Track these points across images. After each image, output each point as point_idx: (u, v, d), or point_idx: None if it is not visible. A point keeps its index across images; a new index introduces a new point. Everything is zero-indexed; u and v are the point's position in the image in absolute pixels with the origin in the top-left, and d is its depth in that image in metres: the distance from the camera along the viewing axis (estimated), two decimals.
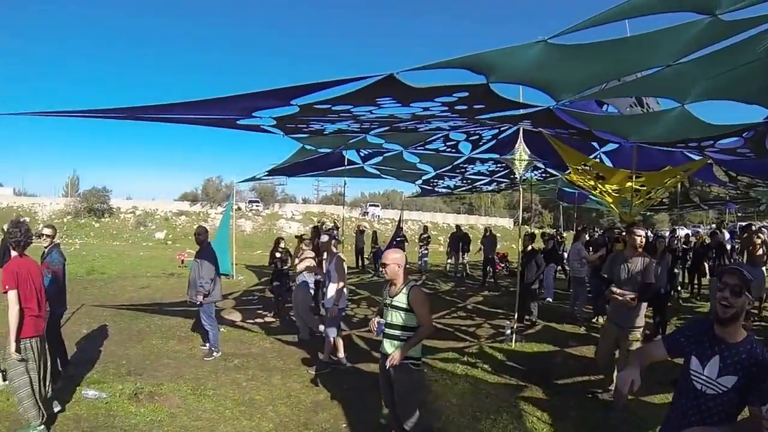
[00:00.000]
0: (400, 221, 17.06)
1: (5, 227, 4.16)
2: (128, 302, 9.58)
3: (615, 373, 4.44)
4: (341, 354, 5.69)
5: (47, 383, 3.85)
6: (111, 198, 37.50)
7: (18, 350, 3.49)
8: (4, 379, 4.38)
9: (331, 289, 5.53)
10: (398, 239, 14.04)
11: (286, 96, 3.55)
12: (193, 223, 35.01)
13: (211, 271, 5.78)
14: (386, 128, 5.74)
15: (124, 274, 14.23)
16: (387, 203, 48.57)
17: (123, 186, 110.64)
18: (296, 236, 8.49)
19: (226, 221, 13.89)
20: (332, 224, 18.75)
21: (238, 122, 5.08)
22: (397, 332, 3.28)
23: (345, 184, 12.37)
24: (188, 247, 20.11)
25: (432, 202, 46.88)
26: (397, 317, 3.28)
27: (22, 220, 4.08)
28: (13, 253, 3.77)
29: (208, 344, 6.12)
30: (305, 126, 5.60)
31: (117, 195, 39.22)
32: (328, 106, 3.89)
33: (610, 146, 6.89)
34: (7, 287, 3.49)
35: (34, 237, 3.92)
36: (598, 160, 7.19)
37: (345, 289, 5.62)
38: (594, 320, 8.18)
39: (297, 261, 7.19)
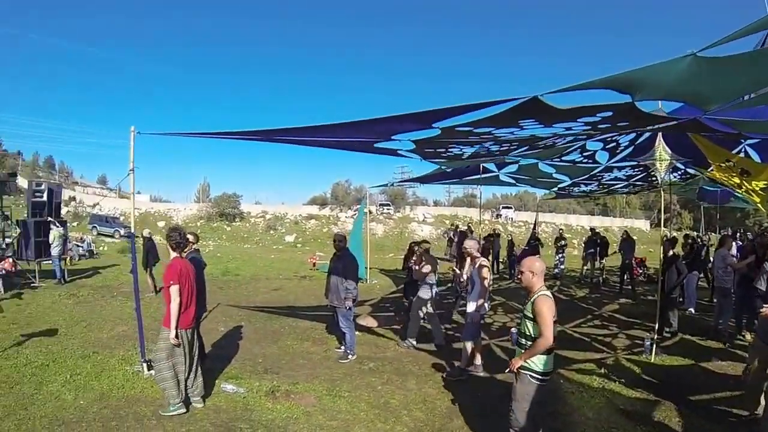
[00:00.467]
0: (535, 224, 18.08)
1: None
2: (262, 303, 11.05)
3: (763, 397, 4.59)
4: (478, 362, 6.17)
5: (195, 371, 4.94)
6: (241, 203, 44.22)
7: (177, 336, 4.65)
8: (150, 369, 5.65)
9: (473, 296, 5.95)
10: (533, 242, 15.04)
11: (429, 119, 3.99)
12: (323, 226, 40.40)
13: (355, 276, 6.57)
14: (525, 148, 6.21)
15: (257, 275, 16.61)
16: (520, 205, 51.44)
17: (252, 191, 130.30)
18: (412, 243, 9.19)
19: (359, 225, 15.31)
20: (465, 227, 20.28)
21: (375, 145, 5.79)
22: (527, 342, 3.57)
23: (480, 192, 14.42)
24: (318, 250, 23.13)
25: (566, 203, 49.93)
26: (527, 327, 3.58)
27: (176, 225, 5.25)
28: (173, 254, 4.91)
29: (343, 347, 6.86)
30: (444, 150, 6.24)
31: (247, 200, 46.14)
32: (470, 128, 4.31)
33: (757, 137, 6.81)
34: (171, 282, 4.63)
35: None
36: (742, 154, 7.15)
37: (487, 296, 6.01)
38: (740, 336, 8.07)
39: (417, 267, 7.74)
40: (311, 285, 14.02)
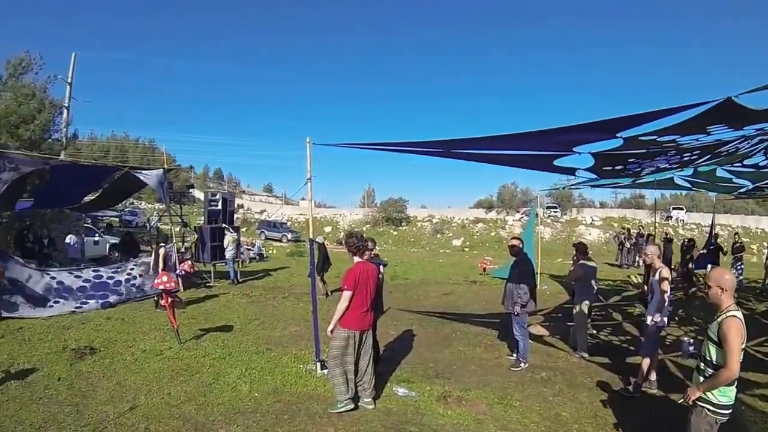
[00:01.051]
0: (712, 227, 18.09)
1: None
2: (433, 308, 11.98)
3: None
4: (653, 378, 6.37)
5: (367, 372, 5.59)
6: (407, 207, 49.29)
7: (332, 332, 5.40)
8: (323, 368, 6.47)
9: (652, 308, 6.14)
10: (711, 247, 15.42)
11: (613, 128, 4.26)
12: (490, 230, 43.93)
13: (529, 282, 6.98)
14: (707, 157, 6.42)
15: (426, 280, 17.84)
16: (692, 205, 52.88)
17: (418, 195, 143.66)
18: (574, 245, 9.54)
19: (530, 229, 16.50)
20: (637, 232, 21.75)
21: (554, 163, 6.25)
22: (707, 369, 3.51)
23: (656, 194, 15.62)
24: (486, 255, 24.88)
25: (743, 203, 49.52)
26: (709, 351, 3.52)
27: (354, 231, 6.06)
28: (355, 258, 5.63)
29: (515, 354, 7.39)
30: (622, 168, 6.67)
31: (413, 204, 51.36)
32: (654, 137, 4.57)
33: None
34: (345, 287, 5.34)
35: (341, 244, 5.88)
36: None
37: (666, 309, 6.15)
38: None
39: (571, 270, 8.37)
40: (482, 290, 15.15)
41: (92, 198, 16.33)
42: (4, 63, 21.06)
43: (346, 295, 5.33)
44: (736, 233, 20.02)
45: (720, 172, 8.80)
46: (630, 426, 5.26)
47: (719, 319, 3.43)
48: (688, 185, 11.03)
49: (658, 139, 4.75)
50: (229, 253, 15.52)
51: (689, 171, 9.20)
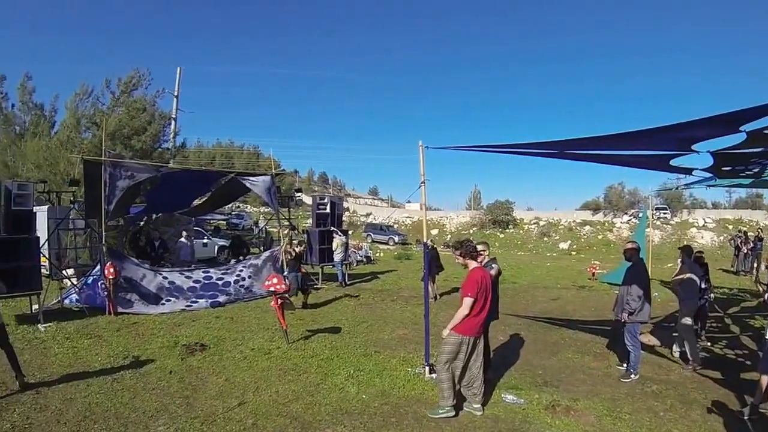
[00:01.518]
0: None
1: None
2: (541, 313, 12.10)
3: None
4: None
5: (478, 377, 5.64)
6: (514, 209, 50.00)
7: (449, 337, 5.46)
8: (431, 372, 6.64)
9: None
10: None
11: (737, 121, 4.10)
12: (598, 233, 44.59)
13: (641, 288, 6.95)
14: None
15: (534, 284, 17.89)
16: None
17: (523, 197, 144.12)
18: (679, 248, 9.50)
19: (641, 232, 16.90)
20: (756, 235, 21.12)
21: (670, 163, 6.20)
22: None
23: None
24: (593, 259, 25.05)
25: None
26: None
27: (463, 239, 6.37)
28: (472, 264, 5.73)
29: (626, 365, 7.35)
30: (744, 167, 6.50)
31: (519, 206, 51.56)
32: None
33: None
34: (468, 294, 5.40)
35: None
36: None
37: None
38: None
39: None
40: (590, 295, 15.27)
41: (200, 201, 17.57)
42: (116, 81, 23.57)
43: (467, 302, 5.38)
44: None
45: None
46: None
47: None
48: None
49: None
50: (337, 256, 16.01)
51: None
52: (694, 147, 5.33)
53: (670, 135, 4.79)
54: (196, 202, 17.76)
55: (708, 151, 5.57)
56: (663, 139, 5.10)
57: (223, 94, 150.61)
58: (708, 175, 7.18)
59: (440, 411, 5.42)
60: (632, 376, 7.07)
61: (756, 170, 6.53)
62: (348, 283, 16.13)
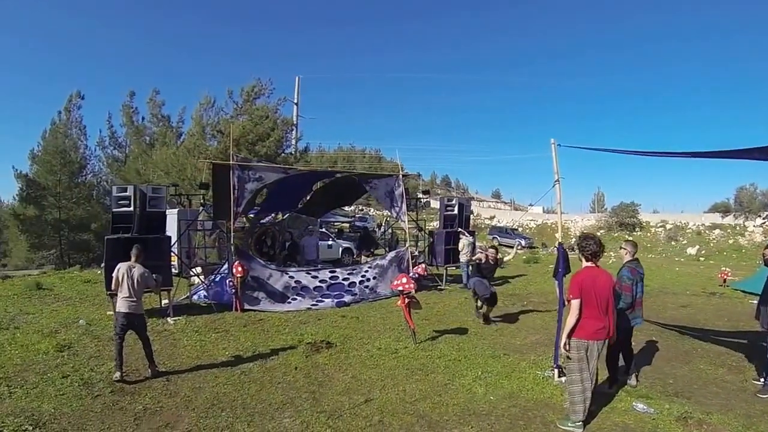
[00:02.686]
0: None
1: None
2: (671, 320, 11.61)
3: None
4: None
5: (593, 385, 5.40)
6: (640, 212, 49.29)
7: (567, 346, 5.30)
8: (560, 375, 6.51)
9: None
10: None
11: None
12: (728, 237, 43.10)
13: None
14: None
15: (663, 289, 17.16)
16: None
17: (649, 199, 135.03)
18: None
19: None
20: None
21: None
22: None
23: None
24: (723, 264, 25.00)
25: None
26: None
27: (591, 234, 5.82)
28: (585, 263, 5.52)
29: (763, 380, 6.89)
30: None
31: (644, 209, 50.66)
32: None
33: None
34: (570, 296, 5.28)
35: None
36: None
37: None
38: None
39: None
40: (722, 303, 14.67)
41: (321, 186, 18.10)
42: (238, 91, 25.11)
43: (574, 304, 5.23)
44: None
45: None
46: None
47: None
48: None
49: None
50: (463, 257, 15.81)
51: None
52: None
53: None
54: (318, 185, 18.38)
55: None
56: None
57: (341, 99, 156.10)
58: None
59: (569, 424, 5.22)
60: None
61: None
62: (463, 285, 15.65)
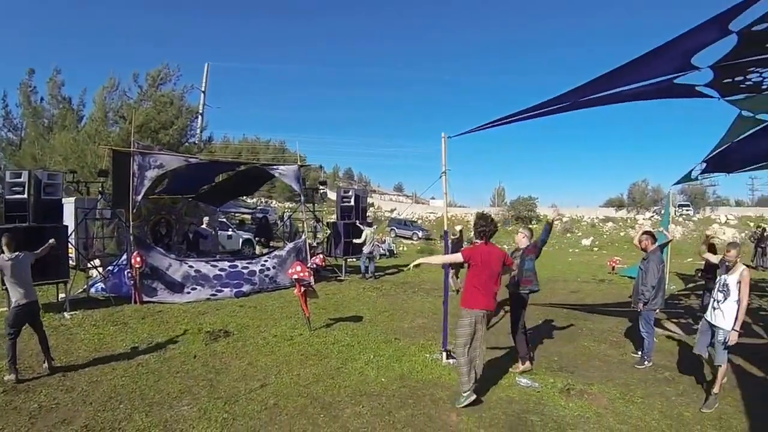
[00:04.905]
0: None
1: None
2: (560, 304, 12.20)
3: None
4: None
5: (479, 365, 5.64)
6: (537, 206, 50.95)
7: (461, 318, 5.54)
8: (449, 357, 6.81)
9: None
10: None
11: (724, 20, 4.12)
12: (620, 229, 45.83)
13: (655, 278, 7.18)
14: None
15: (554, 277, 18.08)
16: None
17: (547, 194, 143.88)
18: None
19: (664, 227, 15.46)
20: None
21: (674, 81, 6.16)
22: None
23: None
24: (615, 255, 25.58)
25: None
26: None
27: (485, 213, 6.20)
28: (478, 241, 5.82)
29: (640, 352, 7.56)
30: (743, 78, 6.39)
31: (542, 202, 52.27)
32: (766, 24, 4.30)
33: None
34: (462, 252, 5.82)
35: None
36: None
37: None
38: None
39: None
40: (610, 289, 15.67)
41: (223, 179, 17.74)
42: (144, 75, 23.93)
43: (456, 255, 5.85)
44: None
45: None
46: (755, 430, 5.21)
47: None
48: None
49: None
50: (367, 248, 16.01)
51: None
52: (693, 61, 5.35)
53: (668, 54, 4.84)
54: (220, 178, 17.93)
55: (708, 66, 5.62)
56: (663, 60, 5.13)
57: (250, 90, 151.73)
58: (714, 92, 7.10)
59: (462, 399, 5.40)
60: (646, 362, 7.21)
61: (756, 80, 6.47)
62: (374, 275, 16.14)
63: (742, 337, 8.46)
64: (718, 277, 5.99)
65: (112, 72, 24.32)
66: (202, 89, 27.68)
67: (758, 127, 8.83)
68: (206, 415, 4.92)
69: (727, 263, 5.87)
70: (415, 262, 6.02)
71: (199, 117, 27.23)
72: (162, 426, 4.68)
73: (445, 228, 7.51)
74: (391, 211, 56.75)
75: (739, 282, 5.67)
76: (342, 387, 5.78)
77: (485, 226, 5.68)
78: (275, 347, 7.40)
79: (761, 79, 6.42)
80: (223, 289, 11.69)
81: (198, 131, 27.00)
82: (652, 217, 45.80)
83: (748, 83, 6.65)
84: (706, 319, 6.00)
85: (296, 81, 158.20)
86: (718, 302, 5.80)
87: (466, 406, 5.34)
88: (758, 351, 8.01)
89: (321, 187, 19.58)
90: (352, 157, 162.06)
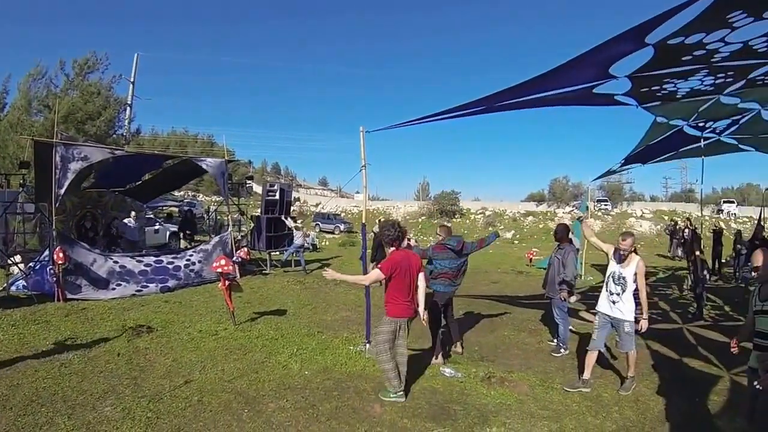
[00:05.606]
0: (759, 219, 17.49)
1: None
2: (481, 295, 12.32)
3: None
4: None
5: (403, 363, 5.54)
6: (460, 200, 51.90)
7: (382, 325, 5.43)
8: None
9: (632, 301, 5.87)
10: (757, 241, 15.01)
11: (641, 33, 4.26)
12: (540, 223, 46.75)
13: (573, 268, 7.23)
14: (742, 82, 6.51)
15: (476, 268, 17.93)
16: (742, 199, 54.70)
17: (472, 189, 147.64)
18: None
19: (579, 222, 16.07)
20: (684, 224, 21.26)
21: (593, 91, 6.26)
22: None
23: (701, 180, 16.46)
24: (534, 246, 26.56)
25: None
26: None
27: (391, 220, 6.13)
28: (390, 249, 5.61)
29: (556, 339, 7.61)
30: (659, 87, 6.67)
31: (465, 197, 53.86)
32: (681, 39, 4.54)
33: None
34: (380, 267, 5.40)
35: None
36: None
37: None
38: None
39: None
40: (528, 280, 15.95)
41: (150, 177, 16.98)
42: (71, 63, 22.36)
43: (376, 274, 5.40)
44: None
45: (765, 115, 8.54)
46: (673, 412, 5.32)
47: None
48: (735, 142, 10.88)
49: (685, 41, 4.65)
50: (298, 241, 15.80)
51: (735, 128, 9.49)
52: (611, 71, 5.43)
53: (586, 63, 4.87)
54: (147, 177, 17.15)
55: (625, 76, 5.74)
56: (582, 69, 5.18)
57: (181, 82, 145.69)
58: (632, 101, 7.34)
59: (391, 394, 5.32)
60: (562, 350, 7.32)
61: (672, 90, 6.78)
62: (305, 269, 15.85)
63: (659, 323, 9.13)
64: (611, 268, 5.82)
65: (40, 59, 22.55)
66: (131, 80, 26.20)
67: (671, 131, 9.46)
68: (130, 415, 4.72)
69: (621, 252, 5.67)
70: (330, 276, 5.48)
71: (128, 108, 25.79)
72: (85, 428, 4.45)
73: (363, 221, 7.43)
74: (316, 205, 56.45)
75: (636, 274, 5.60)
76: (266, 381, 5.70)
77: (394, 232, 5.50)
78: (200, 342, 7.19)
79: (676, 89, 6.73)
80: (148, 284, 11.23)
81: (126, 123, 25.60)
82: (572, 211, 46.94)
83: (663, 92, 6.95)
84: (603, 314, 5.81)
85: (227, 74, 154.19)
86: (617, 295, 5.66)
87: (391, 399, 5.29)
88: (674, 336, 8.37)
89: (248, 181, 19.18)
90: (279, 151, 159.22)
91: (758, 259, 4.04)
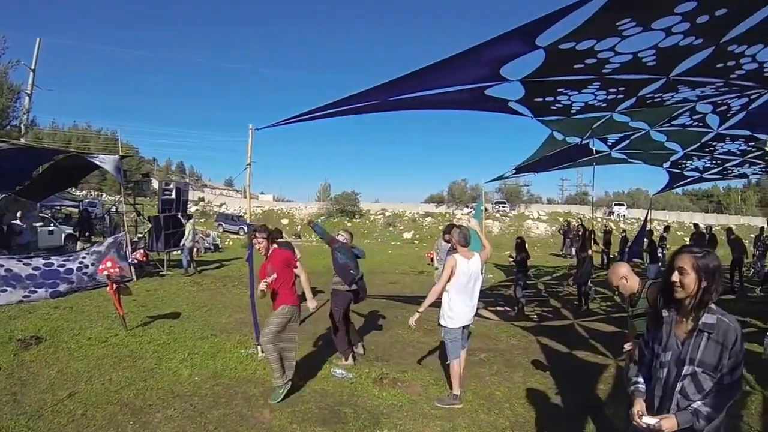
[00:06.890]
0: (645, 222, 17.96)
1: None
2: (379, 296, 11.70)
3: None
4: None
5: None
6: (360, 201, 50.91)
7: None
8: (263, 352, 5.80)
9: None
10: (643, 240, 15.47)
11: (530, 33, 3.99)
12: (439, 224, 44.37)
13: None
14: (633, 101, 6.47)
15: (374, 269, 17.73)
16: (632, 203, 55.63)
17: (371, 190, 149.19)
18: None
19: (476, 220, 16.23)
20: (577, 225, 21.50)
21: (485, 93, 5.88)
22: None
23: (593, 186, 18.24)
24: (432, 247, 24.13)
25: (678, 200, 55.99)
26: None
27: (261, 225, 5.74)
28: (273, 246, 5.45)
29: None
30: (553, 99, 6.39)
31: (366, 198, 53.01)
32: (573, 44, 4.31)
33: None
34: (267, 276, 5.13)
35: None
36: None
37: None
38: None
39: None
40: (428, 280, 15.10)
41: (40, 174, 15.35)
42: None
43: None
44: (667, 227, 21.15)
45: (654, 135, 8.88)
46: (564, 404, 5.29)
47: (643, 295, 3.64)
48: (624, 157, 11.19)
49: (577, 47, 4.41)
50: (189, 242, 14.85)
51: (625, 143, 9.70)
52: (503, 72, 5.10)
53: (474, 58, 4.46)
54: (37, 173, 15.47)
55: (518, 80, 5.43)
56: (471, 67, 4.79)
57: (87, 73, 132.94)
58: (526, 110, 6.96)
59: (279, 392, 5.06)
60: None
61: (566, 102, 6.42)
62: (193, 270, 14.93)
63: (551, 320, 9.41)
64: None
65: None
66: (32, 67, 23.23)
67: (567, 146, 9.46)
68: None
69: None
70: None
71: (26, 98, 22.97)
72: None
73: (248, 220, 7.19)
74: (220, 205, 54.24)
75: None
76: (154, 389, 5.29)
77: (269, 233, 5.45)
78: (88, 351, 6.55)
79: (570, 102, 6.43)
80: (37, 289, 10.01)
81: (22, 113, 22.84)
82: (470, 212, 46.68)
83: (558, 105, 6.61)
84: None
85: (139, 68, 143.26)
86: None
87: (282, 400, 5.04)
88: (565, 331, 8.46)
89: (144, 178, 17.80)
90: (185, 149, 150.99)
91: (614, 279, 3.84)
